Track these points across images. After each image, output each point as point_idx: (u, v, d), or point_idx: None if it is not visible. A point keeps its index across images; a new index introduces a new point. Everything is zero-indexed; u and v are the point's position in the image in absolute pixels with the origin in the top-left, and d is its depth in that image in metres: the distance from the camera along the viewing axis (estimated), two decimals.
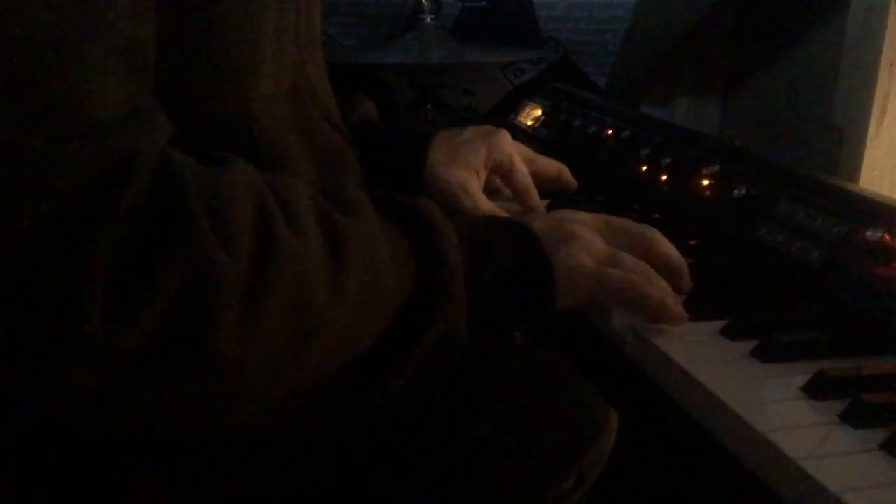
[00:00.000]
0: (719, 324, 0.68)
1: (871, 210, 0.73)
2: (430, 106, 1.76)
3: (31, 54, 0.41)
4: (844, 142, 1.03)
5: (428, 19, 1.70)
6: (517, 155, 0.91)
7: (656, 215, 0.96)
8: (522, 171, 0.91)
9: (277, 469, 0.61)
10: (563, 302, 0.65)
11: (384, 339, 0.55)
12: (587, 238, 0.67)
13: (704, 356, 0.63)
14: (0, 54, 0.40)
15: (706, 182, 0.92)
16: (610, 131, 1.14)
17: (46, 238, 0.40)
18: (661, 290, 0.66)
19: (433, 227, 0.59)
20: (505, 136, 0.90)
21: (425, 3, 1.69)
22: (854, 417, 0.54)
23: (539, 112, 1.37)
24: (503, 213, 0.86)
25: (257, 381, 0.48)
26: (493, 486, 0.68)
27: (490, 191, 0.92)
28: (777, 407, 0.58)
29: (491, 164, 0.89)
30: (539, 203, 0.93)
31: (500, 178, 0.92)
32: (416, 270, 0.57)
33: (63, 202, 0.41)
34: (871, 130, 0.99)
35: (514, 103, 1.52)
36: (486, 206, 0.87)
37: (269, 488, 0.62)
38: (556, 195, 0.98)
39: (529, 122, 1.38)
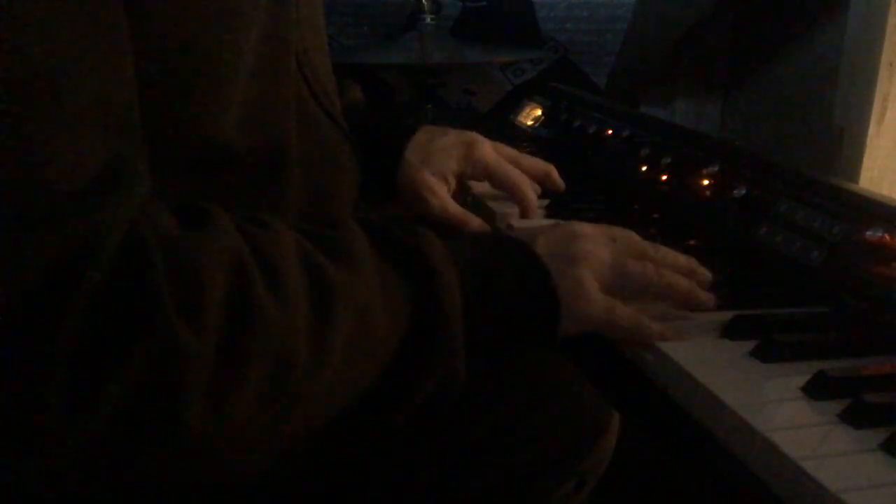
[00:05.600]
0: (720, 324, 0.68)
1: (871, 210, 0.73)
2: (430, 106, 1.76)
3: None
4: (844, 142, 1.03)
5: (428, 19, 1.70)
6: (499, 158, 0.93)
7: (656, 215, 0.96)
8: (505, 171, 0.93)
9: (276, 467, 0.61)
10: (568, 329, 0.65)
11: (379, 388, 0.55)
12: (594, 257, 0.66)
13: (704, 356, 0.63)
14: None
15: (706, 182, 0.92)
16: (610, 131, 1.14)
17: (3, 332, 0.40)
18: (685, 282, 0.68)
19: (432, 268, 0.57)
20: (481, 146, 0.93)
21: (425, 3, 1.69)
22: (854, 417, 0.54)
23: (539, 112, 1.37)
24: (484, 226, 0.89)
25: (233, 450, 0.48)
26: (492, 488, 0.68)
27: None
28: (777, 407, 0.57)
29: (461, 173, 0.92)
30: (534, 198, 0.94)
31: (487, 181, 0.95)
32: (413, 317, 0.56)
33: (20, 293, 0.40)
34: (871, 130, 0.99)
35: (514, 103, 1.52)
36: (454, 208, 0.90)
37: (269, 486, 0.62)
38: (555, 195, 0.98)
39: (529, 122, 1.38)
